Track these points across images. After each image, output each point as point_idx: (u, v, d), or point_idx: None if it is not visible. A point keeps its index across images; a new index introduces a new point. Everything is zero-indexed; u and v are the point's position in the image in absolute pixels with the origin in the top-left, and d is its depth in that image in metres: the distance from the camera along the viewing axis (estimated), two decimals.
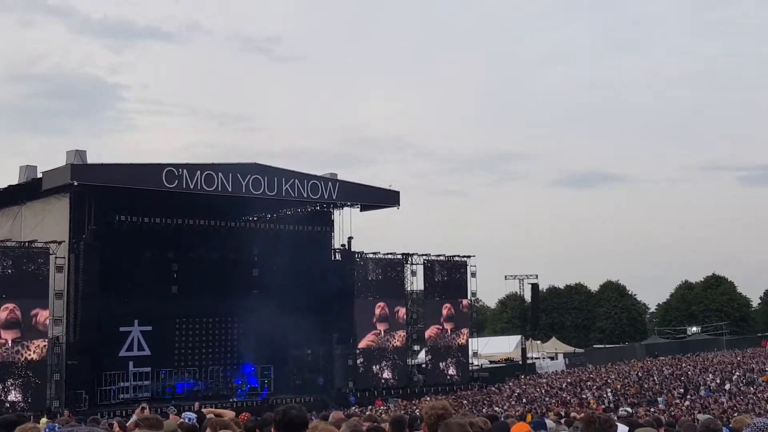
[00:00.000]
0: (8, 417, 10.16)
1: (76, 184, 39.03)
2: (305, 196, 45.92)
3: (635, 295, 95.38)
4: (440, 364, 52.45)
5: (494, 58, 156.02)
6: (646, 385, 43.50)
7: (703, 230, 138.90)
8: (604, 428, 5.12)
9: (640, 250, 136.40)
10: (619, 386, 43.79)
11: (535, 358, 64.84)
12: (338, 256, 50.03)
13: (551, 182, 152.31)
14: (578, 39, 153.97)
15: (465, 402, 41.87)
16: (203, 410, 11.90)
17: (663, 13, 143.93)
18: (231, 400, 41.53)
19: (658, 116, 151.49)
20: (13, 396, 37.11)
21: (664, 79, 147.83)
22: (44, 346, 38.51)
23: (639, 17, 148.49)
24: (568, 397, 41.22)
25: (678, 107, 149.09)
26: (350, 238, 49.62)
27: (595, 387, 44.56)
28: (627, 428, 7.49)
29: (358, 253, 49.82)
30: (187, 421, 8.63)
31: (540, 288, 68.62)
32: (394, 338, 50.28)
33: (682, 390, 40.60)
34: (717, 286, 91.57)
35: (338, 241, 50.08)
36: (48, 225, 40.70)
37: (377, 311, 49.70)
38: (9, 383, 37.33)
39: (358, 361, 48.67)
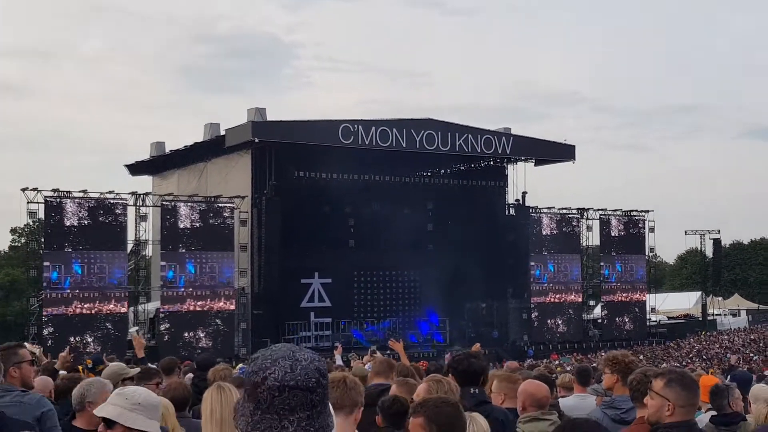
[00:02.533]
0: (207, 357, 10.87)
1: (257, 140, 40.48)
2: (479, 150, 45.88)
3: None
4: (617, 319, 51.61)
5: (669, 8, 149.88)
6: None
7: None
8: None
9: None
10: None
11: (717, 315, 62.71)
12: (512, 211, 49.83)
13: (734, 135, 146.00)
14: None
15: (642, 357, 41.09)
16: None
17: None
18: (408, 350, 42.23)
19: None
20: (204, 343, 39.11)
21: None
22: (231, 296, 40.36)
23: None
24: (752, 354, 39.73)
25: None
26: (524, 193, 49.36)
27: None
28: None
29: (532, 207, 49.38)
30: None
31: (722, 243, 66.20)
32: (570, 293, 49.78)
33: None
34: None
35: (512, 195, 49.99)
36: (231, 181, 42.37)
37: (552, 266, 49.29)
38: (200, 331, 39.39)
39: (533, 315, 48.50)
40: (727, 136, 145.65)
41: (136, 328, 39.73)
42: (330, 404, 2.35)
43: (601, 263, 52.07)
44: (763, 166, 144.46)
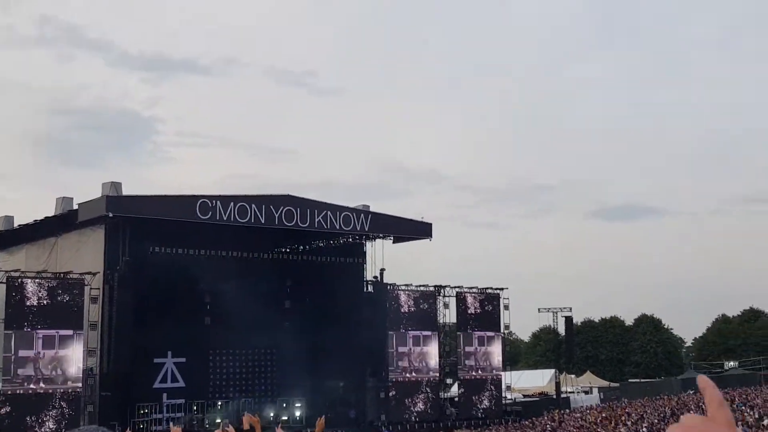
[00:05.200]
0: None
1: (111, 215, 39.44)
2: (337, 227, 46.03)
3: (671, 329, 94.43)
4: (473, 397, 52.02)
5: (528, 90, 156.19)
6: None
7: (740, 263, 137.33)
8: None
9: (675, 284, 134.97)
10: (655, 421, 43.15)
11: (570, 392, 64.13)
12: (371, 288, 50.02)
13: (586, 214, 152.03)
14: (613, 70, 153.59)
15: None
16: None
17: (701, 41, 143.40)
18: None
19: (694, 148, 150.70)
20: (47, 427, 37.30)
21: (702, 110, 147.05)
22: (78, 377, 38.75)
23: (673, 48, 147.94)
24: None
25: (715, 139, 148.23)
26: (382, 270, 49.63)
27: (630, 422, 43.92)
28: None
29: (390, 284, 49.72)
30: None
31: (574, 321, 68.03)
32: (427, 371, 49.99)
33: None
34: (755, 319, 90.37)
35: (371, 272, 50.12)
36: (83, 256, 41.14)
37: (410, 343, 49.49)
38: (44, 415, 37.55)
39: (391, 394, 48.41)
40: (577, 216, 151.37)
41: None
42: None
43: (458, 341, 52.59)
44: (612, 245, 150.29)
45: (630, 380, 78.76)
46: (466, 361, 51.93)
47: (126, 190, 41.87)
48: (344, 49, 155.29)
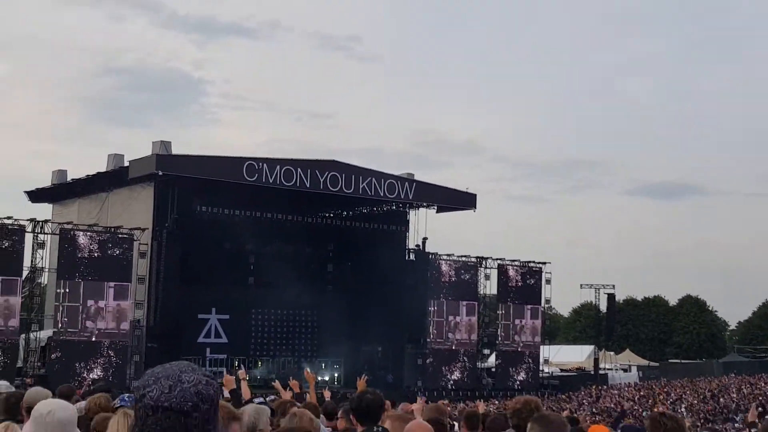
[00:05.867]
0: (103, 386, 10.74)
1: (160, 173, 40.37)
2: (382, 195, 46.43)
3: (715, 311, 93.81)
4: (510, 369, 52.39)
5: (574, 65, 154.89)
6: (722, 403, 42.71)
7: None
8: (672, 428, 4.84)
9: (721, 265, 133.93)
10: (694, 402, 43.09)
11: (608, 369, 64.13)
12: (412, 256, 50.46)
13: (631, 191, 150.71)
14: (658, 47, 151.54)
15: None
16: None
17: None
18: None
19: (740, 127, 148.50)
20: (95, 374, 38.52)
21: (747, 88, 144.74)
22: (125, 328, 39.94)
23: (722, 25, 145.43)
24: (641, 410, 40.69)
25: (762, 118, 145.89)
26: (425, 239, 50.07)
27: (668, 401, 43.86)
28: None
29: (432, 254, 50.11)
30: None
31: (616, 299, 67.95)
32: (465, 341, 50.45)
33: (760, 409, 39.82)
34: None
35: (413, 241, 50.53)
36: (133, 212, 42.14)
37: (449, 313, 49.96)
38: (92, 362, 38.83)
39: (428, 361, 49.02)
40: (622, 193, 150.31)
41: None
42: (216, 429, 2.27)
43: (498, 313, 52.95)
44: (657, 224, 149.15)
45: (670, 360, 78.52)
46: (505, 333, 52.26)
47: (175, 149, 42.82)
48: (389, 17, 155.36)
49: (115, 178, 43.39)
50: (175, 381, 2.19)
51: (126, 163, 42.98)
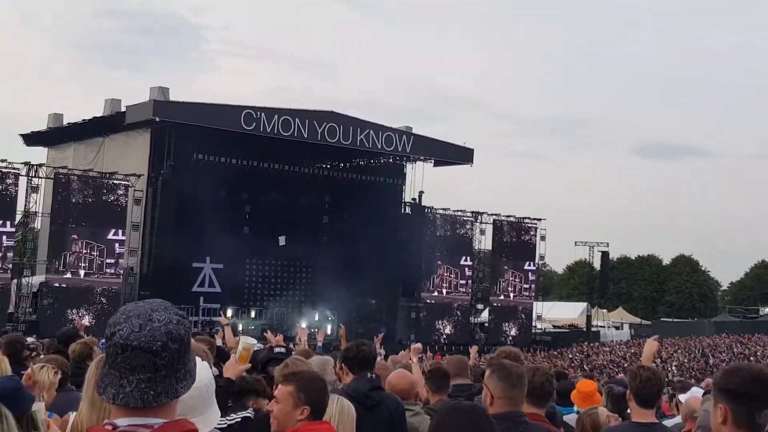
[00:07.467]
0: (67, 330, 10.51)
1: (157, 120, 39.96)
2: (379, 147, 46.11)
3: (708, 271, 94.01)
4: (503, 324, 52.55)
5: (577, 22, 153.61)
6: (712, 362, 42.96)
7: None
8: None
9: (716, 227, 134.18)
10: (685, 361, 43.36)
11: (600, 327, 64.39)
12: (408, 210, 50.33)
13: (628, 151, 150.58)
14: (664, 8, 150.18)
15: (527, 363, 41.89)
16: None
17: None
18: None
19: (741, 90, 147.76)
20: (87, 321, 38.30)
21: (751, 51, 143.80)
22: (118, 275, 39.77)
23: None
24: (632, 367, 40.81)
25: (762, 84, 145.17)
26: (421, 193, 49.90)
27: (659, 359, 44.11)
28: (702, 391, 7.52)
29: (428, 207, 50.01)
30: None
31: (610, 257, 67.98)
32: (459, 295, 50.52)
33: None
34: None
35: (409, 194, 50.42)
36: (129, 158, 41.73)
37: (444, 267, 49.95)
38: (84, 308, 38.69)
39: (421, 315, 49.09)
40: (620, 152, 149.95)
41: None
42: (186, 368, 2.27)
43: (492, 268, 52.96)
44: (653, 184, 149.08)
45: (662, 319, 78.78)
46: (498, 289, 52.34)
47: (173, 96, 42.34)
48: None
49: (111, 123, 42.87)
50: (145, 320, 2.20)
51: (123, 108, 42.51)
